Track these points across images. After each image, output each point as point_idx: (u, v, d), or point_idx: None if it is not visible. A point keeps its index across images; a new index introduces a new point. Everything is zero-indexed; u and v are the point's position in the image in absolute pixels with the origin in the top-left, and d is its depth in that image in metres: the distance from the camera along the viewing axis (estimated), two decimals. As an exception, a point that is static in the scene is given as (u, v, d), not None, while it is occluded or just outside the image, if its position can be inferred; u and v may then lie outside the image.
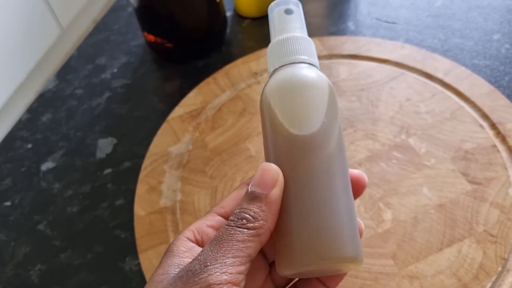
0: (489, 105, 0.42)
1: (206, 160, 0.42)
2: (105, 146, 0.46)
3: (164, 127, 0.45)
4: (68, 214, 0.42)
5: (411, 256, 0.35)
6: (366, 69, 0.47)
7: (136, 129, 0.47)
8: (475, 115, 0.42)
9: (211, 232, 0.26)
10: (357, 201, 0.38)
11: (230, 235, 0.22)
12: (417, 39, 0.51)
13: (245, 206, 0.23)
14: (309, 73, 0.25)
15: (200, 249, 0.24)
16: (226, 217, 0.26)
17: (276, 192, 0.23)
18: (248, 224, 0.22)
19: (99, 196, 0.43)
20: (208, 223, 0.26)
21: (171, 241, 0.37)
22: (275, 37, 0.26)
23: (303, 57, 0.25)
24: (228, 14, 0.57)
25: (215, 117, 0.45)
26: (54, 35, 1.64)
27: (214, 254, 0.21)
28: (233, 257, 0.21)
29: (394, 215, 0.37)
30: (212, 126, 0.44)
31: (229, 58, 0.51)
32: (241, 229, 0.22)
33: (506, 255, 0.34)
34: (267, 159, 0.25)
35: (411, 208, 0.37)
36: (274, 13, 0.27)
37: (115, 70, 0.53)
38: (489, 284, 0.33)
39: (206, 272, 0.21)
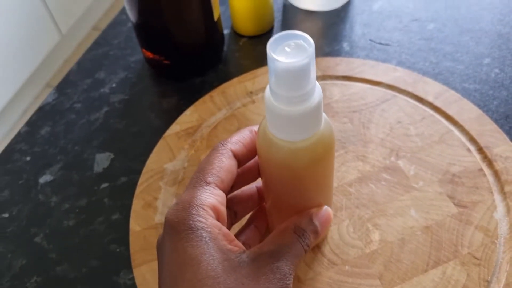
0: (477, 129, 0.44)
1: (201, 177, 0.43)
2: (102, 160, 0.47)
3: (160, 144, 0.46)
4: (64, 227, 0.43)
5: (397, 277, 0.36)
6: (359, 90, 0.48)
7: (133, 144, 0.48)
8: (463, 139, 0.44)
9: (224, 211, 0.29)
10: (346, 221, 0.39)
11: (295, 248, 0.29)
12: (409, 61, 0.52)
13: (309, 233, 0.30)
14: None
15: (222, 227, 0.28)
16: (225, 192, 0.30)
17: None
18: (306, 248, 0.30)
19: (95, 211, 0.44)
20: (219, 200, 0.29)
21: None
22: None
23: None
24: (225, 32, 0.58)
25: (211, 135, 0.46)
26: (53, 41, 1.66)
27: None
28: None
29: (382, 236, 0.38)
30: (207, 144, 0.45)
31: (226, 76, 0.53)
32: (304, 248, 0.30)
33: (489, 278, 0.35)
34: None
35: (399, 230, 0.39)
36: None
37: (114, 85, 0.54)
38: (472, 306, 0.34)
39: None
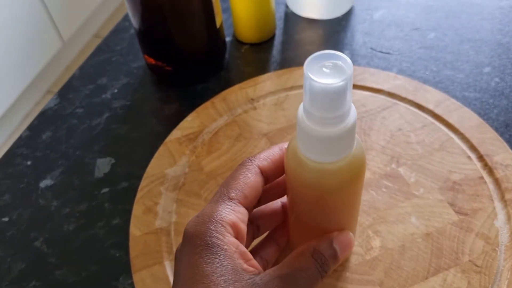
0: (477, 137, 0.44)
1: (202, 183, 0.43)
2: (103, 165, 0.47)
3: (161, 149, 0.46)
4: (64, 232, 0.43)
5: (398, 284, 0.36)
6: (360, 98, 0.48)
7: (134, 149, 0.48)
8: (464, 146, 0.44)
9: (244, 228, 0.29)
10: (347, 228, 0.39)
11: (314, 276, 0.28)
12: (409, 69, 0.52)
13: (327, 258, 0.29)
14: None
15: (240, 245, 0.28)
16: (248, 209, 0.30)
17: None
18: (323, 274, 0.29)
19: (95, 215, 0.44)
20: (240, 217, 0.29)
21: (164, 262, 0.38)
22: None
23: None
24: (228, 39, 0.58)
25: (212, 141, 0.46)
26: (55, 48, 1.66)
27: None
28: None
29: (382, 242, 0.38)
30: (208, 150, 0.46)
31: (227, 83, 0.53)
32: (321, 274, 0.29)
33: (490, 286, 0.35)
34: None
35: (399, 236, 0.38)
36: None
37: (116, 91, 0.54)
38: (472, 314, 0.34)
39: None
